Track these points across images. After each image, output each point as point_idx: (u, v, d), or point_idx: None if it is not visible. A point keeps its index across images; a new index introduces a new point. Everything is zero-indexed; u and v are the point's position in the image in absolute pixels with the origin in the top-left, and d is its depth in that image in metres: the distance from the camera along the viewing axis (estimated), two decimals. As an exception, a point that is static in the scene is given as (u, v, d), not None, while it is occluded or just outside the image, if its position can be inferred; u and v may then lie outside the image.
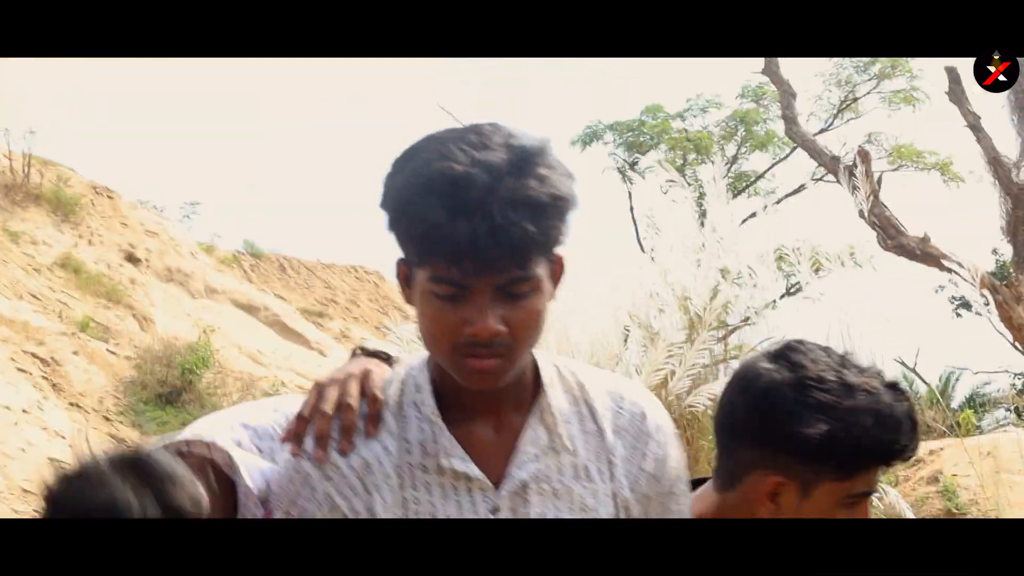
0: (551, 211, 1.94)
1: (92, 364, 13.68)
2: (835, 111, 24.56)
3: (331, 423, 2.12)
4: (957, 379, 21.19)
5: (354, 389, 2.18)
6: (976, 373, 21.51)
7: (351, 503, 2.08)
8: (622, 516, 2.13)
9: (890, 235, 12.79)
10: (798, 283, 10.24)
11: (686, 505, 2.23)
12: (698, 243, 8.03)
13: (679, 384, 7.93)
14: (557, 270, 2.04)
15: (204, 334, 15.34)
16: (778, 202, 24.12)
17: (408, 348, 8.95)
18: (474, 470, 2.08)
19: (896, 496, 7.78)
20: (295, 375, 16.91)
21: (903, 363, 18.60)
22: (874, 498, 3.96)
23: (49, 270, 15.67)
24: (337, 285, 25.27)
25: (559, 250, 2.02)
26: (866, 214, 12.39)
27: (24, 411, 11.15)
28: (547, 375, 2.14)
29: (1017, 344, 13.02)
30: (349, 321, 22.93)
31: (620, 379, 2.25)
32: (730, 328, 8.87)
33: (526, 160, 1.94)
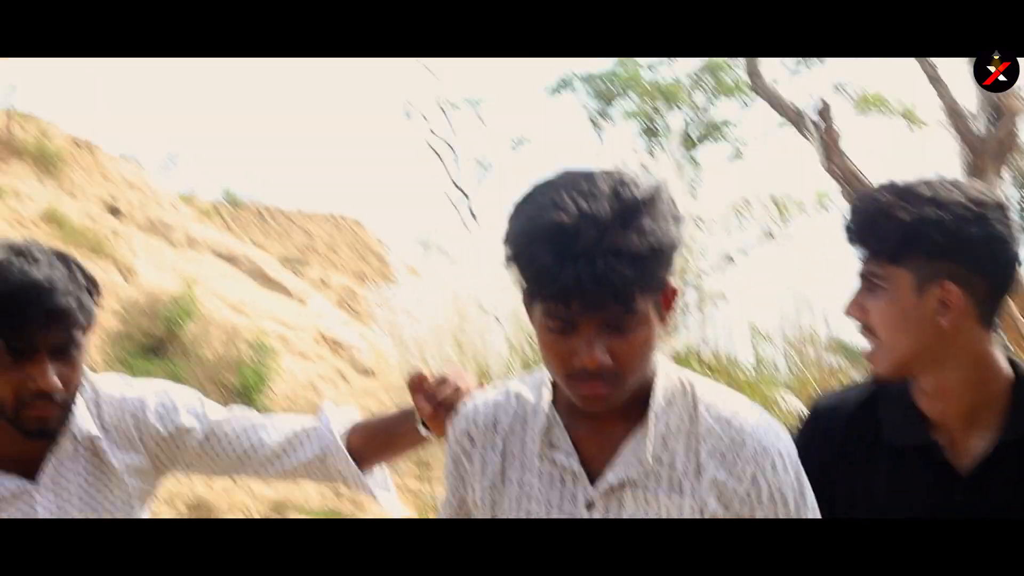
0: (651, 259, 2.14)
1: (78, 317, 13.89)
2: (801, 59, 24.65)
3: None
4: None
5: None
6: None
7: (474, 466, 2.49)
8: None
9: (852, 186, 13.06)
10: (766, 230, 10.58)
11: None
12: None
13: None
14: (666, 300, 2.26)
15: (187, 286, 15.59)
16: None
17: (384, 306, 9.32)
18: (575, 464, 2.34)
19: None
20: (276, 324, 17.14)
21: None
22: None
23: (34, 223, 15.84)
24: (316, 233, 25.34)
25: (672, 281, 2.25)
26: (828, 167, 12.70)
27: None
28: (666, 392, 2.35)
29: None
30: (328, 268, 23.05)
31: (738, 405, 2.40)
32: (684, 287, 9.23)
33: (631, 212, 2.14)
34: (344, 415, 3.03)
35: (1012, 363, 2.63)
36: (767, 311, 10.59)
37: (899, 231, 2.49)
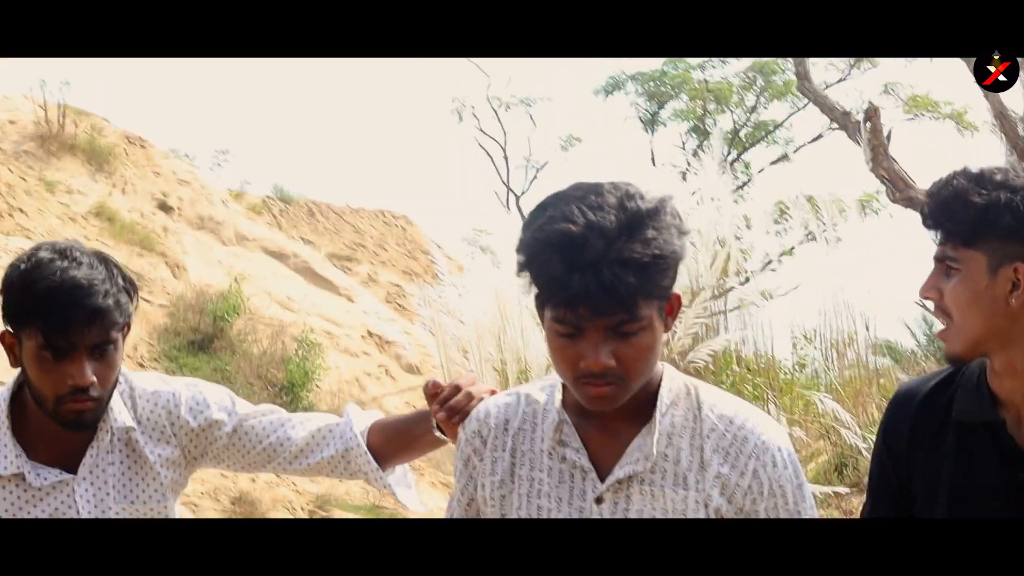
0: (654, 268, 2.28)
1: (127, 312, 14.03)
2: (853, 61, 24.55)
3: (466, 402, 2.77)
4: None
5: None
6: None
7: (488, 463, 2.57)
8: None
9: (899, 188, 13.02)
10: (811, 232, 10.59)
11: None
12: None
13: (680, 342, 8.40)
14: (670, 307, 2.39)
15: (235, 282, 15.73)
16: (790, 153, 24.20)
17: (431, 305, 9.41)
18: (584, 460, 2.47)
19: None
20: (323, 320, 17.27)
21: (923, 306, 18.83)
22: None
23: (84, 219, 16.02)
24: (365, 229, 25.46)
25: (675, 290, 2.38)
26: (874, 169, 12.68)
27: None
28: (670, 393, 2.49)
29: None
30: (377, 265, 23.18)
31: (739, 406, 2.53)
32: (727, 288, 9.26)
33: (636, 223, 2.28)
34: (366, 416, 3.14)
35: None
36: (808, 313, 10.63)
37: (973, 214, 2.58)
